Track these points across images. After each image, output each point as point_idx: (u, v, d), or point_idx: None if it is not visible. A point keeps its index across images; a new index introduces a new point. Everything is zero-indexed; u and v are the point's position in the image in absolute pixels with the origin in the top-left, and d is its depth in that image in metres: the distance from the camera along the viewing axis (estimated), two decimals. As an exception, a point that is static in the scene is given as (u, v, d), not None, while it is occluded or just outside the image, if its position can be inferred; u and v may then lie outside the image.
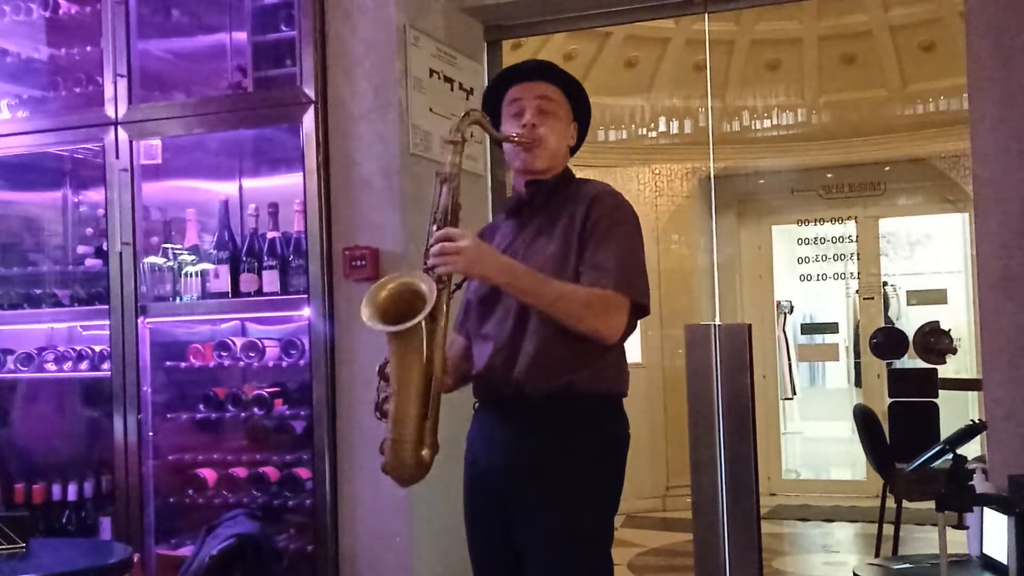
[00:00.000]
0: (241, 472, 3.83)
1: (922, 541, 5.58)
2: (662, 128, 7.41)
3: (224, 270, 3.84)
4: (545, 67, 2.57)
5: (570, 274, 2.38)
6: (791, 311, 8.17)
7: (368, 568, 3.61)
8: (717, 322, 4.45)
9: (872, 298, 7.50)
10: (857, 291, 7.72)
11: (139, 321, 3.88)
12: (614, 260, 2.37)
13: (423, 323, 2.25)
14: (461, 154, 2.39)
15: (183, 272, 3.90)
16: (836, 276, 7.27)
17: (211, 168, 4.27)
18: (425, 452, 2.32)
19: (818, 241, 6.96)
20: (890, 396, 5.55)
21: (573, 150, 2.63)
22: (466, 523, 2.55)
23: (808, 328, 8.21)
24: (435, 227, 2.34)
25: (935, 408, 5.23)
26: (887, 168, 7.45)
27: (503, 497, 2.42)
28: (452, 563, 3.76)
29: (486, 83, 4.25)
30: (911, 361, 6.37)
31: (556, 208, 2.48)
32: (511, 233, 2.55)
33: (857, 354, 8.35)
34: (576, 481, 2.36)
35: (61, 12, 4.24)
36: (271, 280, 3.77)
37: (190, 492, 3.88)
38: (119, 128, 3.94)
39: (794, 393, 8.40)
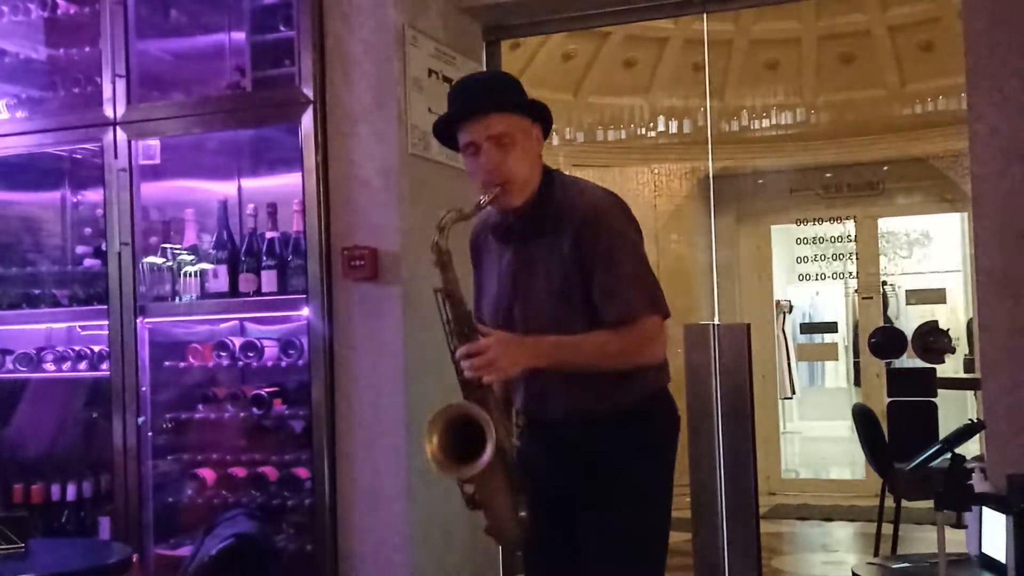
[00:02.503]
0: (240, 472, 3.82)
1: (921, 540, 5.57)
2: (661, 128, 7.40)
3: (223, 270, 3.84)
4: (486, 99, 2.35)
5: (576, 305, 2.34)
6: (790, 310, 8.17)
7: (368, 568, 3.60)
8: (716, 322, 4.46)
9: (871, 297, 7.50)
10: (856, 290, 7.73)
11: (138, 321, 3.88)
12: (631, 283, 2.32)
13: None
14: (450, 267, 2.30)
15: (182, 272, 3.90)
16: (835, 276, 7.29)
17: (210, 168, 4.27)
18: (522, 515, 2.38)
19: (817, 241, 6.97)
20: (889, 395, 5.55)
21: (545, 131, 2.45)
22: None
23: (807, 327, 8.22)
24: (455, 341, 2.30)
25: (934, 407, 5.24)
26: (886, 168, 7.46)
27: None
28: (452, 563, 3.76)
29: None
30: (910, 360, 6.39)
31: (544, 227, 2.39)
32: (505, 260, 2.47)
33: (856, 353, 8.35)
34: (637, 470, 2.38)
35: (60, 12, 4.23)
36: (270, 280, 3.76)
37: (189, 492, 3.88)
38: (118, 128, 3.94)
39: (793, 392, 8.40)
